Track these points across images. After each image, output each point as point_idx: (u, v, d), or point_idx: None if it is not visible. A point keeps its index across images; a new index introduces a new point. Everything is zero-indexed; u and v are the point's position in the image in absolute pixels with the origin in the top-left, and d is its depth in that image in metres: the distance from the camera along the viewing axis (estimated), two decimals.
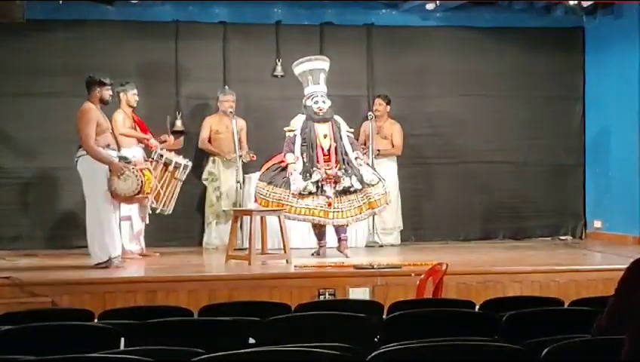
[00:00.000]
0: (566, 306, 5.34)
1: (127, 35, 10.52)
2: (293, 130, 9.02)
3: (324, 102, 9.03)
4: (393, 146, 10.36)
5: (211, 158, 10.13)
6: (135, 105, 9.39)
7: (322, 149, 8.91)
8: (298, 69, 9.23)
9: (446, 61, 11.22)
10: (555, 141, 11.48)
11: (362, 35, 11.09)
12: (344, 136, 9.07)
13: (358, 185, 8.82)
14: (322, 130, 8.98)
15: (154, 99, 10.28)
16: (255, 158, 9.95)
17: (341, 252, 8.98)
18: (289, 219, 8.83)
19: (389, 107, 10.46)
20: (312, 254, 9.09)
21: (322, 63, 9.21)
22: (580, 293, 7.36)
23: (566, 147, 11.53)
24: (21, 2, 8.62)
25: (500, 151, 11.33)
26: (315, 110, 8.99)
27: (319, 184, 8.77)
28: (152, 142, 9.26)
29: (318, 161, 8.84)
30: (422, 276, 6.76)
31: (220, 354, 3.47)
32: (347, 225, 9.05)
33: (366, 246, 10.20)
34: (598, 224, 11.29)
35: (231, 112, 9.86)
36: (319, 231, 9.11)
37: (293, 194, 8.73)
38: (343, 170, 8.85)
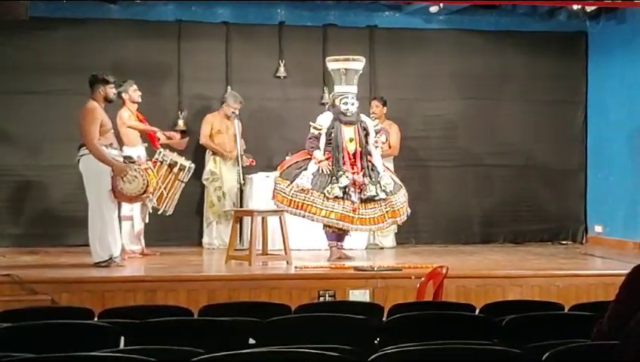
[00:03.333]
0: (566, 311, 5.33)
1: (130, 34, 10.53)
2: (320, 129, 8.86)
3: (352, 104, 8.88)
4: (390, 147, 10.34)
5: (212, 158, 10.12)
6: (139, 100, 9.33)
7: (348, 153, 8.79)
8: (333, 65, 9.04)
9: (449, 64, 11.23)
10: (557, 145, 11.49)
11: (365, 37, 11.08)
12: (370, 141, 8.94)
13: (382, 195, 8.74)
14: (348, 133, 8.83)
15: (156, 98, 10.29)
16: (254, 163, 9.94)
17: (347, 257, 8.92)
18: (312, 220, 8.72)
19: (385, 108, 10.44)
20: (330, 259, 8.86)
21: (358, 64, 9.01)
22: (580, 298, 7.35)
23: (567, 151, 11.54)
24: (25, 0, 8.62)
25: (502, 154, 11.33)
26: (342, 110, 8.84)
27: (346, 189, 8.66)
28: (159, 135, 9.23)
29: (344, 164, 8.73)
30: (422, 279, 6.75)
31: (219, 354, 3.46)
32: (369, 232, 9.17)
33: (367, 248, 10.19)
34: (598, 229, 11.28)
35: (233, 112, 9.91)
36: (339, 232, 8.96)
37: (318, 195, 8.59)
38: (368, 178, 8.76)
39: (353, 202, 8.66)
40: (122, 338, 4.25)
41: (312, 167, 8.76)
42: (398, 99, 10.84)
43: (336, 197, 8.63)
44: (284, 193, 8.68)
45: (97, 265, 8.01)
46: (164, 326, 4.39)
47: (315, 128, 8.89)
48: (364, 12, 11.15)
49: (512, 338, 4.33)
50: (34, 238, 10.11)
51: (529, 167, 11.43)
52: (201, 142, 10.15)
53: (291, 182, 8.68)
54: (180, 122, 10.52)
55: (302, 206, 8.63)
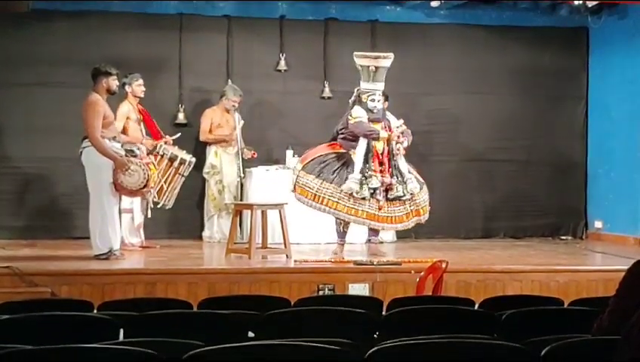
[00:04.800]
0: (566, 306, 5.33)
1: (131, 27, 10.51)
2: (361, 117, 8.62)
3: (379, 101, 8.72)
4: None
5: (213, 151, 10.11)
6: (142, 95, 9.34)
7: (376, 151, 8.60)
8: (362, 61, 8.79)
9: (450, 58, 11.21)
10: (558, 140, 11.48)
11: (366, 31, 11.06)
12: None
13: (408, 196, 8.62)
14: None
15: (157, 91, 10.28)
16: (256, 155, 9.94)
17: (374, 254, 8.79)
18: (338, 217, 8.57)
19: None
20: (332, 255, 8.75)
21: (388, 62, 8.80)
22: (580, 294, 7.36)
23: (568, 147, 11.53)
24: None
25: (503, 149, 11.32)
26: (369, 107, 8.66)
27: (375, 190, 8.48)
28: (143, 144, 9.15)
29: (373, 162, 8.56)
30: (422, 273, 6.76)
31: (218, 347, 3.46)
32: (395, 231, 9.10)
33: (366, 242, 10.17)
34: (599, 224, 11.28)
35: (233, 106, 9.91)
36: (344, 229, 8.83)
37: (345, 192, 8.42)
38: (395, 178, 8.62)
39: (378, 200, 8.51)
40: (121, 330, 4.25)
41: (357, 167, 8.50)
42: (399, 94, 10.80)
43: (364, 198, 8.47)
44: (310, 188, 8.49)
45: (97, 257, 8.01)
46: (163, 319, 4.39)
47: (354, 120, 8.64)
48: (366, 6, 11.13)
49: (512, 333, 4.32)
50: (34, 230, 10.11)
51: (530, 161, 11.42)
52: (201, 140, 10.13)
53: (317, 177, 8.49)
54: (181, 115, 10.52)
55: (327, 202, 8.44)
